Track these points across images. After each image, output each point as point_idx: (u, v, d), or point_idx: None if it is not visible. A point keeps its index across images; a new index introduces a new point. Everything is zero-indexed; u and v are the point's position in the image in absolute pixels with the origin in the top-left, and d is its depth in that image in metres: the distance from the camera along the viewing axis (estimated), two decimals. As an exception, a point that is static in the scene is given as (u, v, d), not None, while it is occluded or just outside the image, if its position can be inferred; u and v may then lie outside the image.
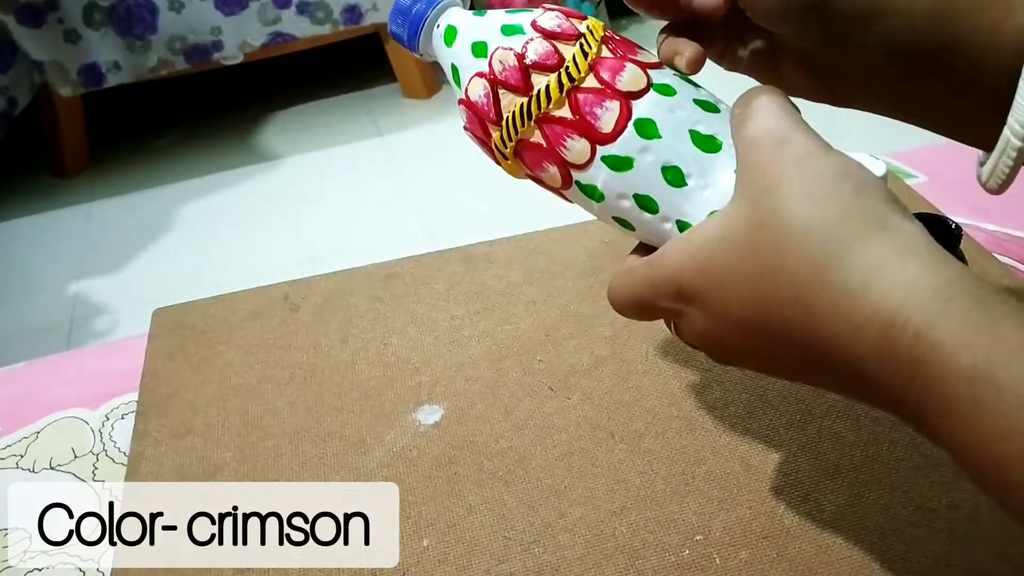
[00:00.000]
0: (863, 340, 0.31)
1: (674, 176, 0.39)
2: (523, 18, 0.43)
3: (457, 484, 0.52)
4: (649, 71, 0.41)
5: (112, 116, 2.37)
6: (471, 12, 0.46)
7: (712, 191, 0.39)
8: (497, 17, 0.44)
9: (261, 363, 0.63)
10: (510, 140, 0.43)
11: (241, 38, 2.11)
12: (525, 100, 0.42)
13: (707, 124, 0.40)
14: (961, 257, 0.58)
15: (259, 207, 2.02)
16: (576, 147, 0.41)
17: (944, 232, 0.57)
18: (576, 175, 0.42)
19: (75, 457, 0.61)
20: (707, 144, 0.39)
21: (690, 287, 0.36)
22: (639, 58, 0.42)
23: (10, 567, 0.53)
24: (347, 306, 0.67)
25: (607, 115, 0.40)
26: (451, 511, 0.51)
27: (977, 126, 0.42)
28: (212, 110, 2.43)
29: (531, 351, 0.61)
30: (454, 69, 0.45)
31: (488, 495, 0.51)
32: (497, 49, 0.42)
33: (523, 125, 0.42)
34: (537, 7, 0.45)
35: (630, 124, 0.40)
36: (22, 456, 0.61)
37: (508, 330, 0.63)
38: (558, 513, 0.50)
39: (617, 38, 0.43)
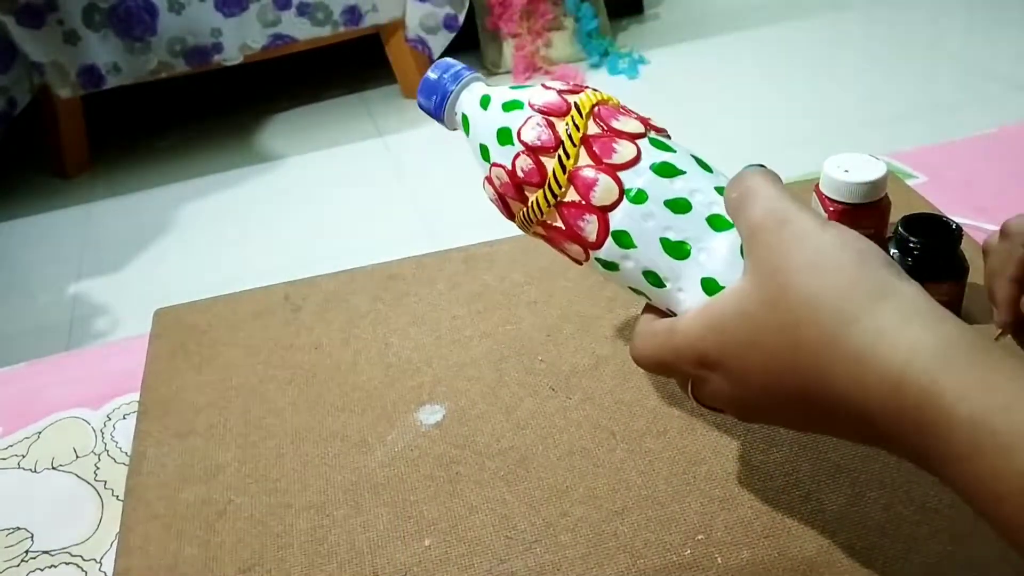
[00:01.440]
0: (875, 399, 0.34)
1: (653, 279, 0.43)
2: (514, 120, 0.46)
3: (459, 484, 0.52)
4: (621, 174, 0.43)
5: (112, 117, 2.38)
6: (483, 95, 0.49)
7: (686, 293, 0.42)
8: (495, 117, 0.47)
9: (263, 363, 0.63)
10: (527, 230, 0.48)
11: (241, 40, 2.11)
12: (525, 209, 0.46)
13: (677, 230, 0.42)
14: (961, 257, 0.58)
15: (260, 207, 2.03)
16: (574, 248, 0.46)
17: (944, 232, 0.58)
18: (584, 262, 0.47)
19: (77, 457, 0.61)
20: (677, 251, 0.42)
21: (711, 357, 0.39)
22: (624, 128, 0.45)
23: (12, 567, 0.53)
24: (348, 306, 0.68)
25: (589, 227, 0.44)
26: (453, 511, 0.51)
27: None
28: (212, 111, 2.43)
29: (532, 351, 0.61)
30: (480, 149, 0.48)
31: (490, 495, 0.52)
32: (492, 167, 0.47)
33: (528, 228, 0.47)
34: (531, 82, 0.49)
35: (608, 236, 0.44)
36: (24, 456, 0.61)
37: (509, 330, 0.63)
38: (560, 513, 0.50)
39: (604, 109, 0.46)
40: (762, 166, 0.42)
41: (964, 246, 0.58)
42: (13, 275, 1.91)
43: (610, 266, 0.44)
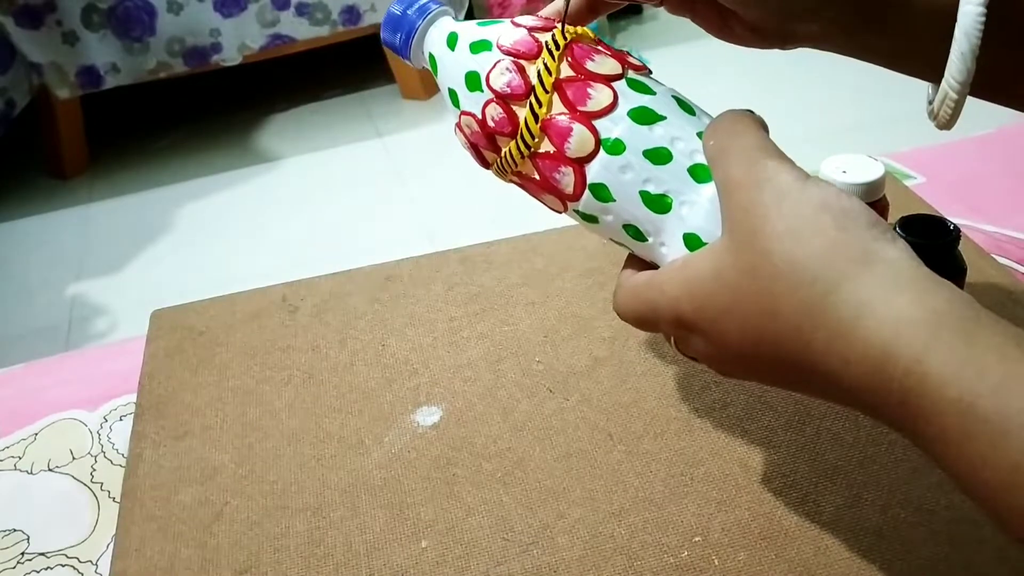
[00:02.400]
0: (858, 375, 0.32)
1: (635, 233, 0.42)
2: (483, 64, 0.44)
3: (455, 485, 0.52)
4: (597, 123, 0.41)
5: (111, 117, 2.37)
6: (450, 33, 0.46)
7: (668, 248, 0.41)
8: (463, 59, 0.45)
9: (259, 364, 0.63)
10: (503, 179, 0.46)
11: (240, 40, 2.11)
12: (498, 159, 0.44)
13: (657, 182, 0.40)
14: (959, 258, 0.58)
15: (258, 208, 2.02)
16: (550, 199, 0.44)
17: (942, 233, 0.57)
18: (563, 212, 0.45)
19: (73, 459, 0.61)
20: (658, 204, 0.40)
21: (689, 318, 0.38)
22: (599, 70, 0.42)
23: (8, 569, 0.53)
24: (346, 307, 0.67)
25: (566, 179, 0.42)
26: (449, 512, 0.51)
27: (917, 65, 0.44)
28: (211, 111, 2.43)
29: (530, 352, 0.61)
30: (450, 93, 0.46)
31: (487, 496, 0.51)
32: (462, 115, 0.45)
33: (503, 177, 0.45)
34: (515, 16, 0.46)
35: (586, 189, 0.42)
36: (20, 458, 0.61)
37: (507, 331, 0.63)
38: (557, 514, 0.50)
39: (578, 48, 0.43)
40: (749, 112, 0.40)
41: (962, 247, 0.58)
42: (11, 276, 1.91)
43: (589, 219, 0.43)
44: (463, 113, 0.45)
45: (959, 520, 0.47)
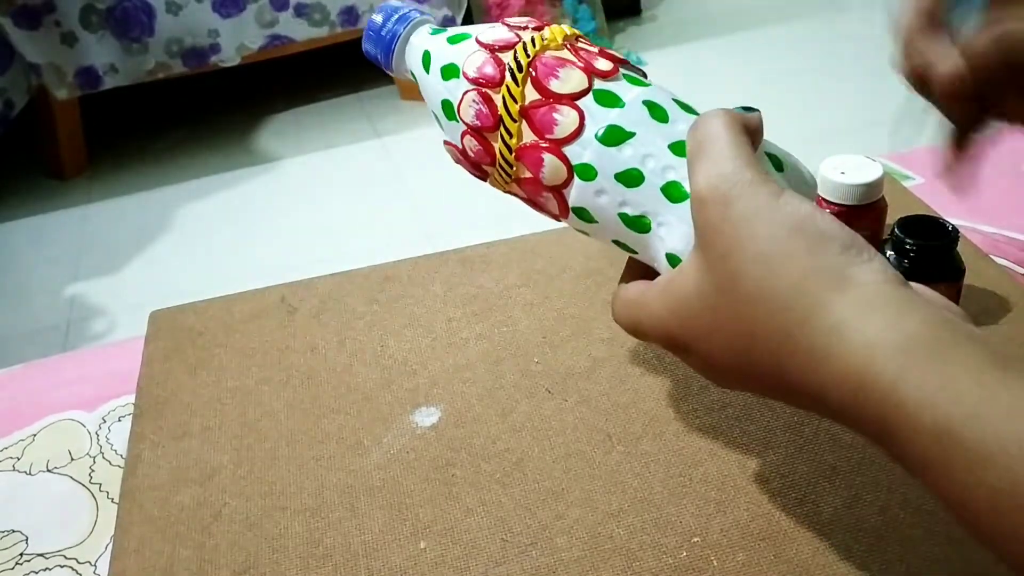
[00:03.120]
0: (835, 400, 0.32)
1: (624, 247, 0.42)
2: (453, 93, 0.44)
3: (454, 486, 0.52)
4: (566, 150, 0.41)
5: (109, 118, 2.37)
6: (424, 52, 0.46)
7: (657, 263, 0.41)
8: (436, 86, 0.45)
9: (258, 365, 0.63)
10: (502, 190, 0.46)
11: (239, 41, 2.11)
12: (489, 180, 0.45)
13: (633, 204, 0.40)
14: (958, 259, 0.58)
15: (256, 209, 2.02)
16: (546, 213, 0.45)
17: (941, 234, 0.58)
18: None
19: (72, 459, 0.61)
20: (638, 225, 0.40)
21: (677, 336, 0.38)
22: (564, 88, 0.41)
23: (7, 570, 0.53)
24: (344, 308, 0.67)
25: (549, 203, 0.43)
26: (448, 513, 0.51)
27: None
28: (210, 112, 2.43)
29: (528, 353, 0.61)
30: (435, 116, 0.46)
31: (485, 497, 0.51)
32: (445, 143, 0.45)
33: (502, 189, 0.45)
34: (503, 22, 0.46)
35: (570, 211, 0.42)
36: (19, 459, 0.61)
37: (505, 332, 0.63)
38: (555, 515, 0.50)
39: (542, 65, 0.42)
40: (726, 111, 0.38)
41: (960, 248, 0.58)
42: (10, 277, 1.91)
43: (584, 231, 0.43)
44: (446, 142, 0.45)
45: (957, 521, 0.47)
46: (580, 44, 0.43)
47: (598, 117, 0.41)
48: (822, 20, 2.58)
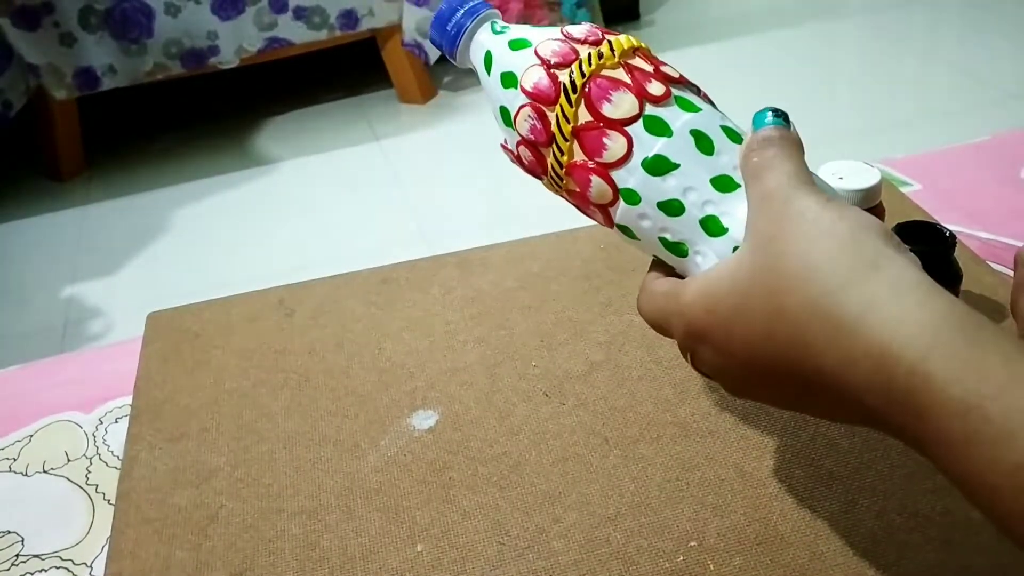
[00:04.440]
0: (860, 373, 0.33)
1: (662, 264, 0.44)
2: (511, 102, 0.45)
3: (451, 489, 0.52)
4: (613, 173, 0.42)
5: (108, 119, 2.37)
6: (486, 52, 0.47)
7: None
8: (496, 90, 0.46)
9: (256, 367, 0.63)
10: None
11: (237, 43, 2.11)
12: (543, 183, 0.46)
13: (672, 232, 0.42)
14: (955, 265, 0.58)
15: (255, 211, 2.02)
16: (596, 220, 0.46)
17: (938, 240, 0.58)
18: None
19: (68, 461, 0.61)
20: (676, 250, 0.42)
21: (698, 326, 0.39)
22: (615, 113, 0.42)
23: (3, 571, 0.53)
24: (342, 311, 0.67)
25: (597, 215, 0.45)
26: (445, 516, 0.51)
27: None
28: (208, 114, 2.43)
29: (526, 356, 0.61)
30: (495, 114, 0.47)
31: (482, 500, 0.51)
32: (503, 146, 0.47)
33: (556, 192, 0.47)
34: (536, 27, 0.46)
35: (614, 226, 0.44)
36: (15, 459, 0.61)
37: (503, 335, 0.63)
38: (552, 519, 0.50)
39: (596, 87, 0.42)
40: (785, 123, 0.40)
41: (957, 253, 0.58)
42: (7, 277, 1.91)
43: (627, 242, 0.45)
44: (503, 145, 0.47)
45: (954, 526, 0.47)
46: (637, 61, 0.44)
47: (646, 145, 0.42)
48: (820, 26, 2.59)
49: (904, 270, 0.33)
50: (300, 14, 2.14)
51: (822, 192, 0.37)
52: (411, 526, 0.50)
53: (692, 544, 0.48)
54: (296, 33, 2.16)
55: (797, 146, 0.40)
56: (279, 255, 1.85)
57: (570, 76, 0.43)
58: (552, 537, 0.49)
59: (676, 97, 0.43)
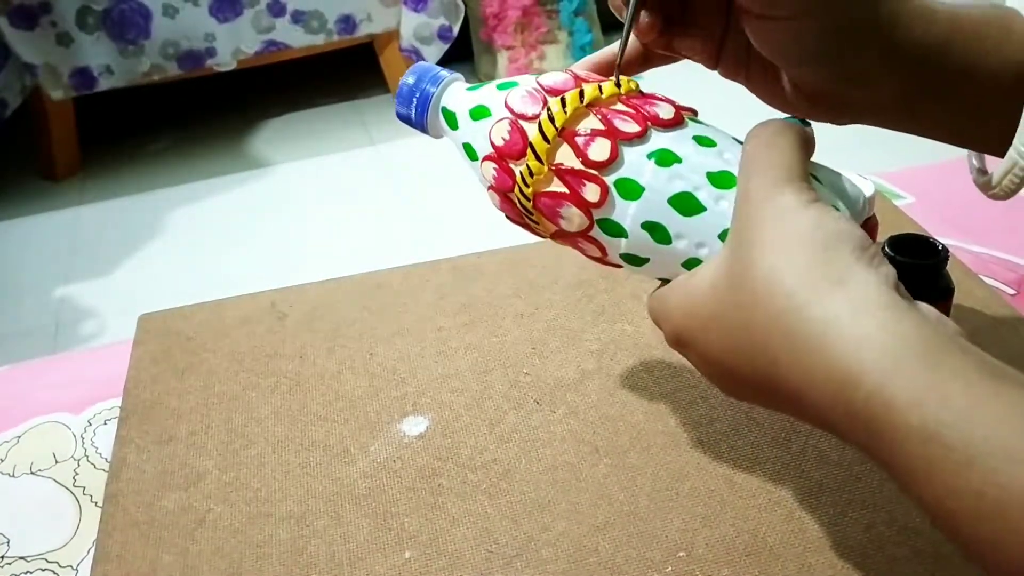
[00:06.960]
0: (822, 396, 0.32)
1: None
2: (482, 171, 0.45)
3: (440, 496, 0.52)
4: (581, 243, 0.44)
5: (103, 120, 2.37)
6: (446, 112, 0.47)
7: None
8: (463, 156, 0.46)
9: (246, 371, 0.63)
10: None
11: (235, 45, 2.11)
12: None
13: (648, 273, 0.43)
14: (947, 278, 0.58)
15: (249, 214, 2.02)
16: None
17: (931, 253, 0.58)
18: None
19: (56, 462, 0.60)
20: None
21: (683, 329, 0.39)
22: (587, 165, 0.41)
23: (-13, 572, 0.53)
24: (334, 315, 0.67)
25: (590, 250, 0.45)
26: (434, 523, 0.51)
27: (976, 136, 0.45)
28: (204, 116, 2.43)
29: (517, 364, 0.61)
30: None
31: (471, 508, 0.51)
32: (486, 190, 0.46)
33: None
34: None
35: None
36: (2, 460, 0.61)
37: (495, 342, 0.63)
38: (541, 527, 0.50)
39: (565, 146, 0.42)
40: (793, 126, 0.39)
41: (950, 267, 0.58)
42: (0, 277, 1.90)
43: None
44: (488, 189, 0.46)
45: (944, 539, 0.47)
46: (603, 114, 0.42)
47: (610, 246, 0.43)
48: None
49: (869, 288, 0.32)
50: (298, 18, 2.14)
51: (807, 192, 0.36)
52: (399, 532, 0.50)
53: (681, 554, 0.48)
54: (294, 37, 2.16)
55: (798, 139, 0.38)
56: (272, 258, 1.85)
57: (533, 139, 0.42)
58: (541, 545, 0.49)
59: (620, 180, 0.41)
